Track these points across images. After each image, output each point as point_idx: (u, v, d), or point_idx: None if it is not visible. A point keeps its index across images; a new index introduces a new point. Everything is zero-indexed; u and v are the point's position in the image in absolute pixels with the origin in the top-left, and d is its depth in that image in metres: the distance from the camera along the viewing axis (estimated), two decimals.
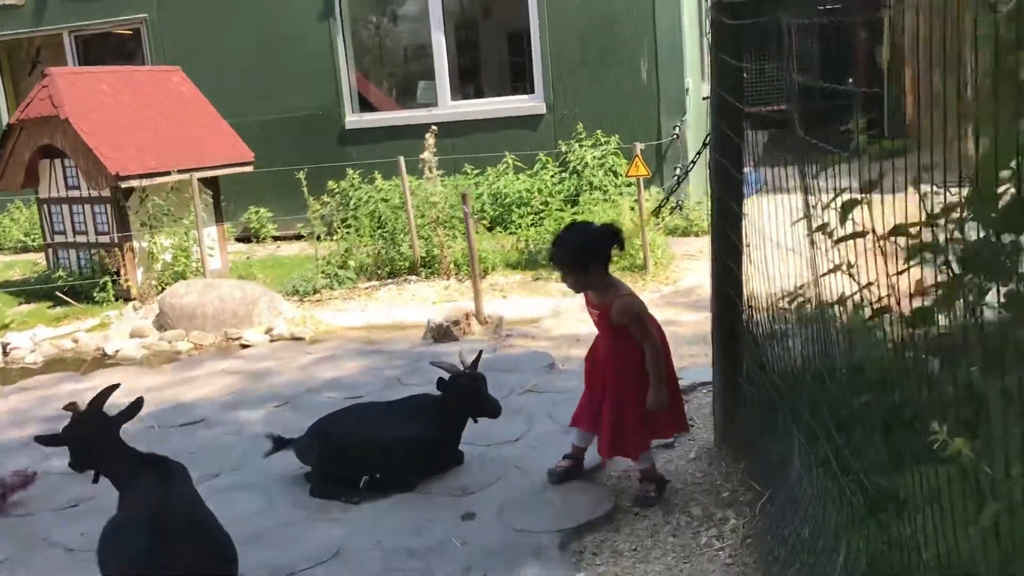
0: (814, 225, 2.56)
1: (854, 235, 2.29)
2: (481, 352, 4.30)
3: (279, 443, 4.21)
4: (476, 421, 4.16)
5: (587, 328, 6.62)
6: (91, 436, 3.13)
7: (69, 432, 3.16)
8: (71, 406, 3.22)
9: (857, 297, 2.49)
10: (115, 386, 3.29)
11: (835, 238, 2.45)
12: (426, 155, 8.51)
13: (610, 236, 3.68)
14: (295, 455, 4.20)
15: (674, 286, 7.88)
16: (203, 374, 6.27)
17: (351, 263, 9.02)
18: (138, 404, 3.25)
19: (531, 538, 3.55)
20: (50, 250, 9.68)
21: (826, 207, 2.52)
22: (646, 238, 8.21)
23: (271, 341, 7.51)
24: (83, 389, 6.13)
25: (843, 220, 2.40)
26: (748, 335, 3.99)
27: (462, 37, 13.14)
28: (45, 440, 3.15)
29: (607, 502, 3.78)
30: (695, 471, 4.07)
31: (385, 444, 4.00)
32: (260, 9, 11.56)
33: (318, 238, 9.23)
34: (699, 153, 5.84)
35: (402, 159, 9.04)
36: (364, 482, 4.06)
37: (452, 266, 8.80)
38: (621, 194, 9.75)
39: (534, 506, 3.80)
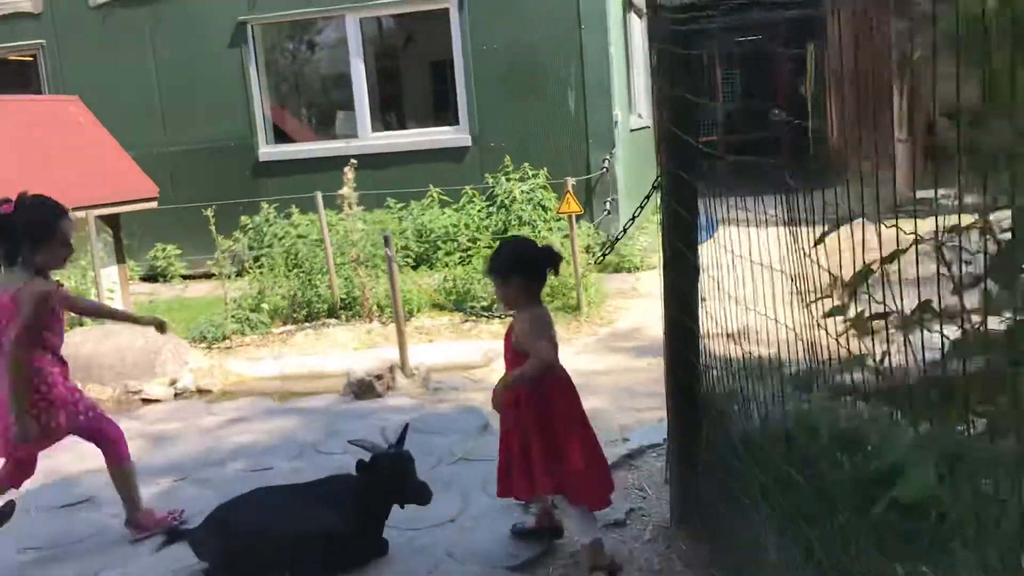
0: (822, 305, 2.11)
1: (875, 316, 1.85)
2: (407, 426, 3.76)
3: (172, 535, 3.63)
4: (403, 507, 3.61)
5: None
6: None
7: None
8: None
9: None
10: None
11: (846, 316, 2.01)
12: (345, 190, 7.95)
13: (547, 255, 3.48)
14: (191, 548, 3.59)
15: (610, 327, 7.46)
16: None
17: (264, 305, 8.38)
18: (8, 511, 2.63)
19: None
20: None
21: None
22: (579, 277, 7.78)
23: (175, 396, 6.84)
24: None
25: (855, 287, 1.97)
26: (706, 397, 3.54)
27: (383, 66, 12.65)
28: None
29: None
30: (652, 555, 3.59)
31: (294, 538, 3.42)
32: (167, 35, 10.86)
33: (228, 277, 8.57)
34: (648, 197, 5.46)
35: (319, 194, 8.45)
36: None
37: (375, 308, 8.23)
38: (551, 229, 9.34)
39: None
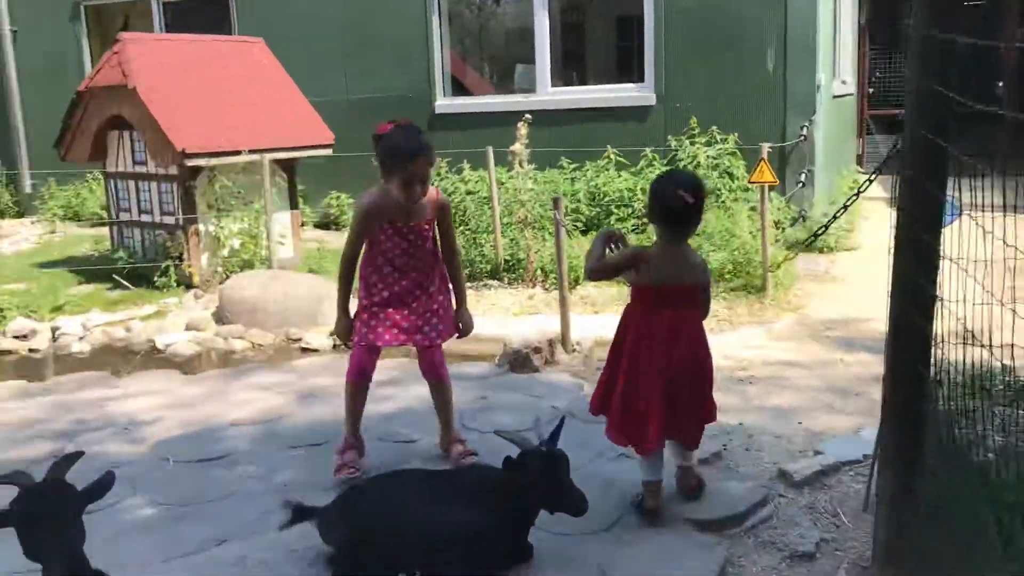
0: None
1: None
2: (563, 421, 3.25)
3: (299, 514, 3.25)
4: (552, 513, 3.11)
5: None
6: (47, 516, 2.17)
7: (19, 507, 2.22)
8: (18, 476, 2.28)
9: None
10: (79, 454, 2.40)
11: None
12: (516, 147, 7.47)
13: (674, 184, 3.22)
14: (318, 531, 3.23)
15: (798, 313, 6.67)
16: (246, 389, 5.38)
17: None
18: (109, 481, 2.31)
19: None
20: (115, 228, 9.02)
21: None
22: (767, 254, 7.01)
23: (333, 347, 6.62)
24: (111, 398, 5.32)
25: None
26: (934, 416, 2.83)
27: (568, 19, 12.06)
28: None
29: None
30: None
31: (428, 534, 2.99)
32: None
33: None
34: (871, 179, 4.70)
35: (491, 149, 8.02)
36: None
37: (539, 272, 7.76)
38: (736, 199, 8.56)
39: None
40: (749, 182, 7.36)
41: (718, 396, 4.78)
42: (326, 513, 3.21)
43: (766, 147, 7.15)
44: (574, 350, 5.55)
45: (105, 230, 9.60)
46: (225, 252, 8.32)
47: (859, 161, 13.19)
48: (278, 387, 5.37)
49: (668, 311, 3.26)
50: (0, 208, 12.81)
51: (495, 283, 7.81)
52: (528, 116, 7.74)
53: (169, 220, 8.42)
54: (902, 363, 2.90)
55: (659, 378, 3.23)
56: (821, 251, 8.50)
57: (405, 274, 3.80)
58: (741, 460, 4.00)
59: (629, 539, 3.33)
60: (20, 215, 12.70)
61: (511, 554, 3.15)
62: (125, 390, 5.54)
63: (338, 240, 10.41)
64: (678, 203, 3.17)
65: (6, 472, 2.28)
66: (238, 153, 8.10)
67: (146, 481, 3.99)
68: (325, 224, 11.03)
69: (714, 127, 9.10)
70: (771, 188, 7.42)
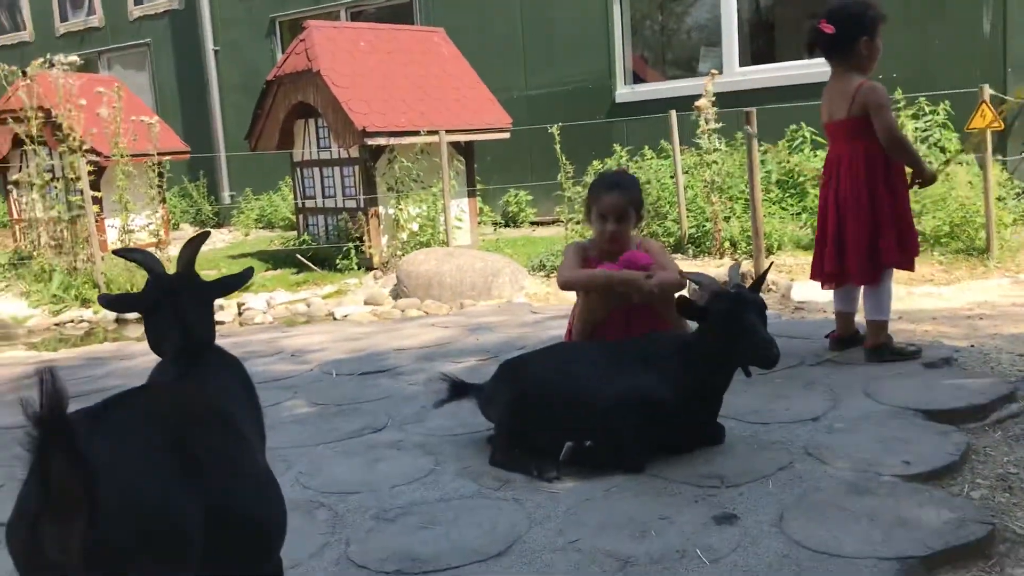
0: None
1: None
2: (771, 265, 2.88)
3: (457, 389, 2.97)
4: (748, 374, 2.64)
5: (911, 305, 4.89)
6: (170, 304, 1.94)
7: (144, 294, 2.00)
8: (144, 255, 2.05)
9: None
10: (206, 233, 2.17)
11: None
12: (702, 102, 7.02)
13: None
14: (478, 407, 2.91)
15: None
16: (415, 327, 5.21)
17: None
18: (247, 274, 2.07)
19: (835, 565, 1.99)
20: (300, 216, 9.23)
21: None
22: (991, 213, 6.19)
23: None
24: (284, 337, 5.26)
25: None
26: None
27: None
28: (111, 302, 2.00)
29: (973, 522, 2.12)
30: None
31: (603, 400, 2.59)
32: None
33: (575, 223, 8.09)
34: None
35: (673, 113, 7.61)
36: (567, 451, 2.67)
37: (727, 245, 7.24)
38: (948, 175, 7.70)
39: (841, 516, 2.23)
40: (967, 128, 6.55)
41: (941, 328, 4.21)
42: (486, 387, 2.91)
43: (988, 90, 6.37)
44: (770, 289, 5.04)
45: (295, 233, 9.87)
46: (404, 236, 8.30)
47: None
48: (448, 323, 5.15)
49: None
50: (201, 219, 13.52)
51: (679, 256, 7.35)
52: (713, 72, 7.29)
53: (351, 204, 8.51)
54: None
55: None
56: None
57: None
58: (977, 367, 3.38)
59: (841, 428, 2.82)
60: (219, 225, 13.37)
61: (700, 431, 2.71)
62: (298, 332, 5.48)
63: (515, 233, 10.29)
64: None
65: (130, 248, 2.09)
66: (417, 133, 8.09)
67: (307, 389, 3.82)
68: (504, 224, 10.92)
69: (921, 98, 8.29)
70: (995, 148, 6.58)
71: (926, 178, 3.49)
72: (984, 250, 6.21)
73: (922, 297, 5.21)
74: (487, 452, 2.82)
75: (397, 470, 2.79)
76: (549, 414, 2.68)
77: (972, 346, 3.74)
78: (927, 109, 8.26)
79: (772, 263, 3.21)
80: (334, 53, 8.33)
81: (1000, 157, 7.91)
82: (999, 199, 7.15)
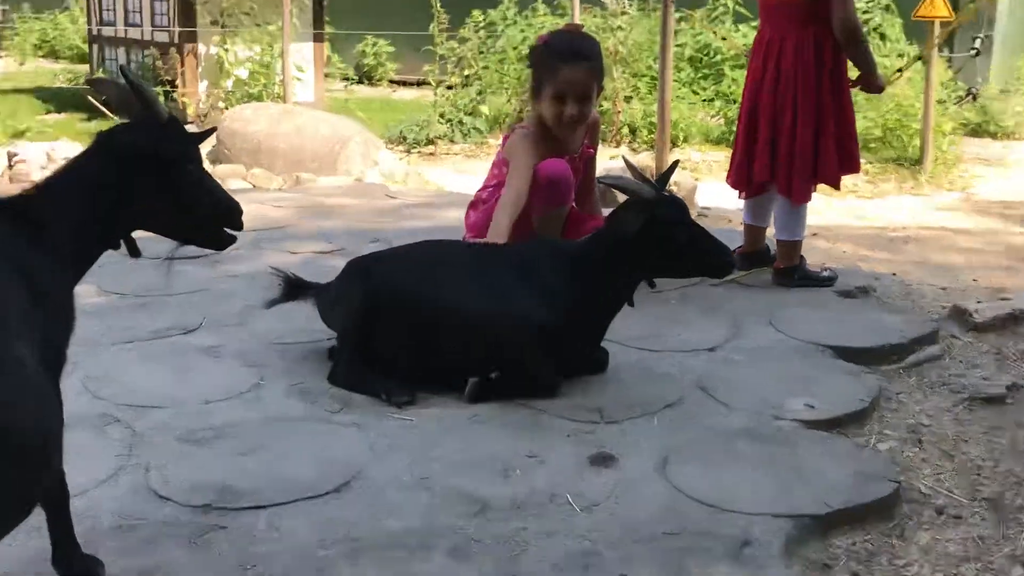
0: None
1: None
2: (677, 163, 2.98)
3: (292, 288, 2.95)
4: (653, 286, 2.82)
5: (830, 220, 5.12)
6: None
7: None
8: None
9: None
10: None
11: None
12: None
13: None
14: (318, 311, 2.92)
15: (963, 192, 6.19)
16: (243, 201, 5.10)
17: (484, 109, 7.74)
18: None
19: (721, 519, 2.12)
20: (95, 46, 8.79)
21: None
22: (929, 119, 6.48)
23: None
24: None
25: None
26: None
27: None
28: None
29: (877, 479, 2.29)
30: None
31: (488, 319, 2.68)
32: None
33: (445, 86, 8.02)
34: None
35: None
36: (471, 387, 2.68)
37: (624, 131, 7.37)
38: (887, 65, 7.99)
39: (734, 463, 2.36)
40: (914, 16, 6.79)
41: (861, 250, 4.44)
42: (330, 287, 2.91)
43: None
44: (671, 190, 5.14)
45: (87, 68, 9.39)
46: (229, 83, 8.05)
47: None
48: (282, 201, 5.09)
49: None
50: None
51: None
52: None
53: (162, 37, 8.16)
54: None
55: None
56: (994, 136, 7.95)
57: None
58: (897, 299, 3.60)
59: (740, 360, 2.98)
60: None
61: (579, 356, 2.80)
62: None
63: (371, 93, 10.11)
64: None
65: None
66: None
67: (96, 272, 3.62)
68: (357, 79, 10.71)
69: None
70: (941, 42, 6.86)
71: (873, 86, 3.62)
72: (918, 160, 6.54)
73: (843, 210, 5.46)
74: (326, 367, 2.83)
75: (211, 382, 2.78)
76: (405, 328, 2.71)
77: (894, 274, 3.97)
78: None
79: (678, 161, 3.28)
80: None
81: (946, 53, 8.26)
82: (940, 102, 7.49)
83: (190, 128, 2.04)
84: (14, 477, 1.44)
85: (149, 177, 1.92)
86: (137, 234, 2.00)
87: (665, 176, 2.84)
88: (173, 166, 1.95)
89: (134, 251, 2.00)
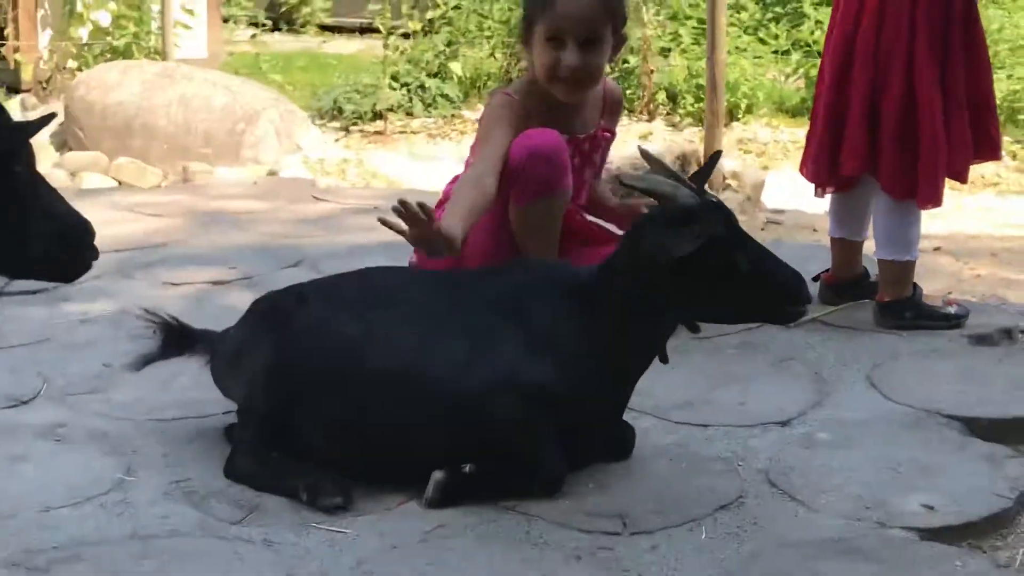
0: None
1: None
2: (719, 153, 3.05)
3: (174, 338, 3.00)
4: (696, 330, 2.87)
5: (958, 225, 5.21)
6: None
7: None
8: None
9: None
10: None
11: None
12: None
13: None
14: (210, 372, 2.98)
15: None
16: (100, 207, 5.21)
17: (455, 67, 7.83)
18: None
19: None
20: None
21: None
22: None
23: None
24: None
25: None
26: None
27: None
28: None
29: None
30: None
31: (464, 386, 2.72)
32: None
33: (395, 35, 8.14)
34: None
35: None
36: (435, 485, 2.70)
37: (661, 97, 7.47)
38: None
39: None
40: None
41: (1004, 271, 4.51)
42: (228, 338, 2.96)
43: None
44: (728, 186, 5.28)
45: None
46: (84, 33, 8.15)
47: None
48: (162, 206, 5.19)
49: None
50: None
51: None
52: None
53: None
54: None
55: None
56: None
57: None
58: None
59: (827, 440, 3.04)
60: None
61: (594, 435, 2.85)
62: None
63: (293, 44, 10.21)
64: None
65: None
66: None
67: None
68: (274, 24, 10.82)
69: None
70: None
71: None
72: None
73: (977, 214, 5.52)
74: (223, 454, 2.87)
75: (57, 478, 2.81)
76: (336, 397, 2.75)
77: None
78: None
79: (720, 152, 3.36)
80: None
81: None
82: None
83: (17, 115, 2.06)
84: None
85: None
86: None
87: (704, 173, 2.89)
88: None
89: None
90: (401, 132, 7.56)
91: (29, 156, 2.08)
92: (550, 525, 2.62)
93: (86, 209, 5.00)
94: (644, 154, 3.00)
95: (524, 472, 2.73)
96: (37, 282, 2.18)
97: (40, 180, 2.11)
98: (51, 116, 2.30)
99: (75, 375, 3.38)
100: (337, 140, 7.46)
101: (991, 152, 3.77)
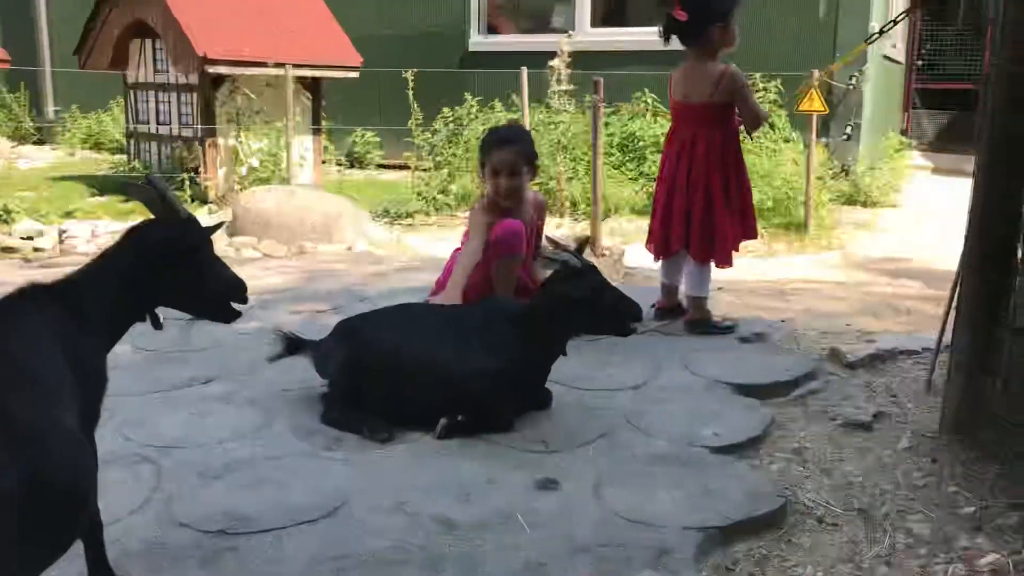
0: None
1: None
2: (587, 241, 3.07)
3: (292, 345, 2.93)
4: (602, 332, 2.88)
5: (731, 276, 5.16)
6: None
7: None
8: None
9: None
10: (222, 223, 2.32)
11: None
12: (556, 62, 7.10)
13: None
14: (312, 364, 2.89)
15: (841, 251, 6.28)
16: (253, 268, 5.10)
17: (452, 189, 7.76)
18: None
19: (645, 533, 2.13)
20: (131, 140, 8.73)
21: None
22: (811, 192, 6.60)
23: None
24: None
25: None
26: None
27: None
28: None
29: (769, 495, 2.32)
30: (910, 468, 2.55)
31: (454, 374, 2.68)
32: None
33: (422, 170, 8.04)
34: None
35: (524, 70, 7.62)
36: (441, 427, 2.66)
37: (568, 204, 7.41)
38: (776, 150, 8.13)
39: (654, 485, 2.37)
40: (797, 109, 6.94)
41: (757, 301, 4.49)
42: (322, 344, 2.89)
43: (817, 74, 6.75)
44: (604, 254, 5.19)
45: (126, 158, 9.32)
46: (244, 170, 8.00)
47: (903, 134, 12.68)
48: (286, 268, 5.08)
49: None
50: (21, 134, 12.55)
51: None
52: (569, 33, 7.36)
53: (187, 133, 8.11)
54: (980, 262, 2.53)
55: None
56: (864, 204, 8.08)
57: None
58: (786, 343, 3.63)
59: (662, 396, 2.99)
60: (40, 142, 12.45)
61: (528, 396, 2.80)
62: None
63: (360, 176, 10.11)
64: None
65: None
66: (263, 64, 7.77)
67: (130, 332, 3.66)
68: (350, 164, 10.69)
69: (757, 74, 8.67)
70: (818, 131, 7.01)
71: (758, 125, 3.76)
72: (803, 226, 6.63)
73: (744, 269, 5.52)
74: (320, 409, 2.81)
75: (226, 425, 2.75)
76: (383, 378, 2.70)
77: (783, 321, 4.00)
78: (761, 85, 8.65)
79: (588, 239, 3.40)
80: None
81: (824, 139, 8.43)
82: (819, 178, 7.62)
83: (205, 221, 2.00)
84: (57, 519, 1.44)
85: (171, 267, 1.93)
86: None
87: (581, 249, 2.86)
88: (191, 256, 1.96)
89: (157, 324, 2.00)
90: (423, 224, 7.46)
91: (209, 244, 2.06)
92: (504, 447, 2.58)
93: (243, 270, 4.97)
94: (549, 239, 3.01)
95: (491, 419, 2.71)
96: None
97: (215, 258, 2.08)
98: (221, 223, 2.27)
99: (239, 366, 3.30)
100: (386, 229, 7.34)
101: (752, 234, 3.77)
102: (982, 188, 2.55)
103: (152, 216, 1.99)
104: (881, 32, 4.83)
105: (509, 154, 3.27)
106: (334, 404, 2.77)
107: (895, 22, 4.88)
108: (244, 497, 2.29)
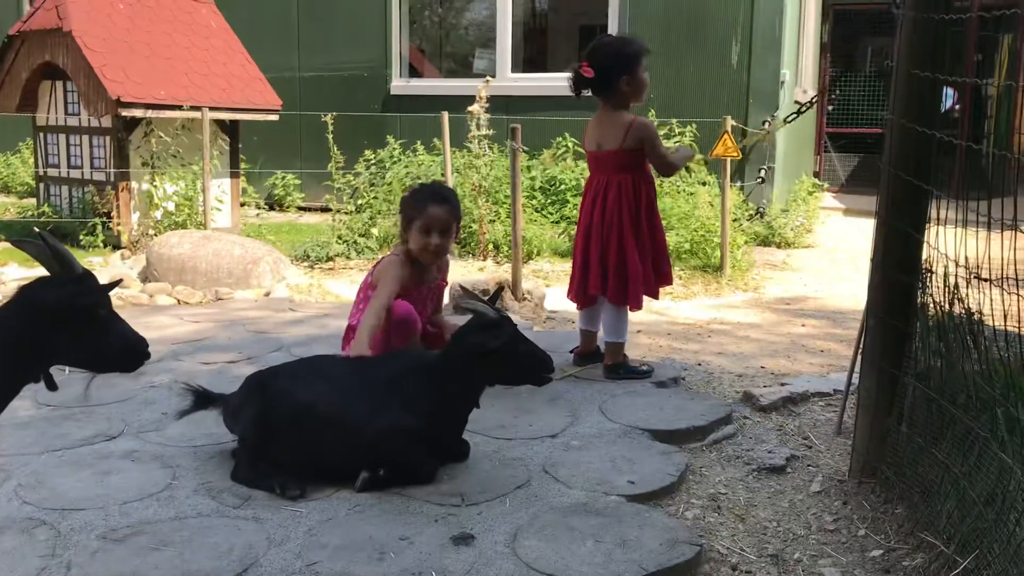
0: None
1: None
2: (502, 287, 2.99)
3: (201, 399, 2.85)
4: (516, 383, 2.88)
5: (650, 319, 5.20)
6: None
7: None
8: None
9: None
10: (119, 281, 2.24)
11: None
12: (475, 107, 7.15)
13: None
14: (222, 419, 2.82)
15: (756, 292, 6.40)
16: (166, 317, 4.95)
17: (374, 231, 7.71)
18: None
19: None
20: (41, 185, 8.48)
21: None
22: (726, 235, 6.75)
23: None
24: None
25: None
26: (931, 311, 2.54)
27: (530, 4, 11.86)
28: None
29: (685, 543, 2.32)
30: (821, 511, 2.60)
31: (348, 423, 2.63)
32: None
33: (343, 213, 7.98)
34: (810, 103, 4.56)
35: (445, 114, 7.66)
36: (362, 481, 2.62)
37: (490, 247, 7.43)
38: (692, 193, 8.31)
39: (569, 536, 2.36)
40: (711, 155, 7.12)
41: (675, 343, 4.54)
42: (232, 398, 2.82)
43: (730, 121, 6.94)
44: (525, 299, 5.18)
45: (35, 201, 9.04)
46: (159, 215, 7.83)
47: (816, 176, 13.10)
48: (200, 316, 4.95)
49: None
50: None
51: None
52: (483, 91, 7.41)
53: (100, 176, 7.92)
54: (885, 305, 2.62)
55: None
56: (778, 246, 8.29)
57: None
58: (701, 387, 3.68)
59: (577, 445, 2.98)
60: None
61: (445, 448, 2.77)
62: None
63: (280, 218, 9.99)
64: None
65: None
66: (178, 108, 7.65)
67: (32, 386, 3.51)
68: (269, 206, 10.56)
69: (674, 120, 8.89)
70: (733, 174, 7.20)
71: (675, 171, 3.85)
72: (719, 268, 6.76)
73: (661, 310, 5.59)
74: (230, 466, 2.74)
75: (130, 484, 2.65)
76: (295, 434, 2.64)
77: (699, 364, 4.06)
78: (677, 130, 8.86)
79: (502, 286, 3.37)
80: (89, 13, 7.71)
81: (739, 183, 8.65)
82: (734, 220, 7.80)
83: (118, 266, 1.94)
84: None
85: (65, 326, 1.86)
86: None
87: (495, 297, 2.87)
88: (86, 315, 1.90)
89: (51, 386, 1.93)
90: (343, 268, 7.37)
91: (107, 302, 2.00)
92: (420, 502, 2.53)
93: (156, 318, 4.84)
94: (461, 287, 3.00)
95: (412, 472, 2.66)
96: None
97: (114, 315, 2.02)
98: (119, 281, 2.20)
99: (146, 420, 3.20)
100: (306, 273, 7.25)
101: (667, 280, 3.81)
102: (883, 238, 2.64)
103: (46, 273, 1.93)
104: (798, 113, 5.00)
105: (445, 212, 3.20)
106: (244, 461, 2.70)
107: (812, 103, 5.05)
108: (147, 561, 2.21)
